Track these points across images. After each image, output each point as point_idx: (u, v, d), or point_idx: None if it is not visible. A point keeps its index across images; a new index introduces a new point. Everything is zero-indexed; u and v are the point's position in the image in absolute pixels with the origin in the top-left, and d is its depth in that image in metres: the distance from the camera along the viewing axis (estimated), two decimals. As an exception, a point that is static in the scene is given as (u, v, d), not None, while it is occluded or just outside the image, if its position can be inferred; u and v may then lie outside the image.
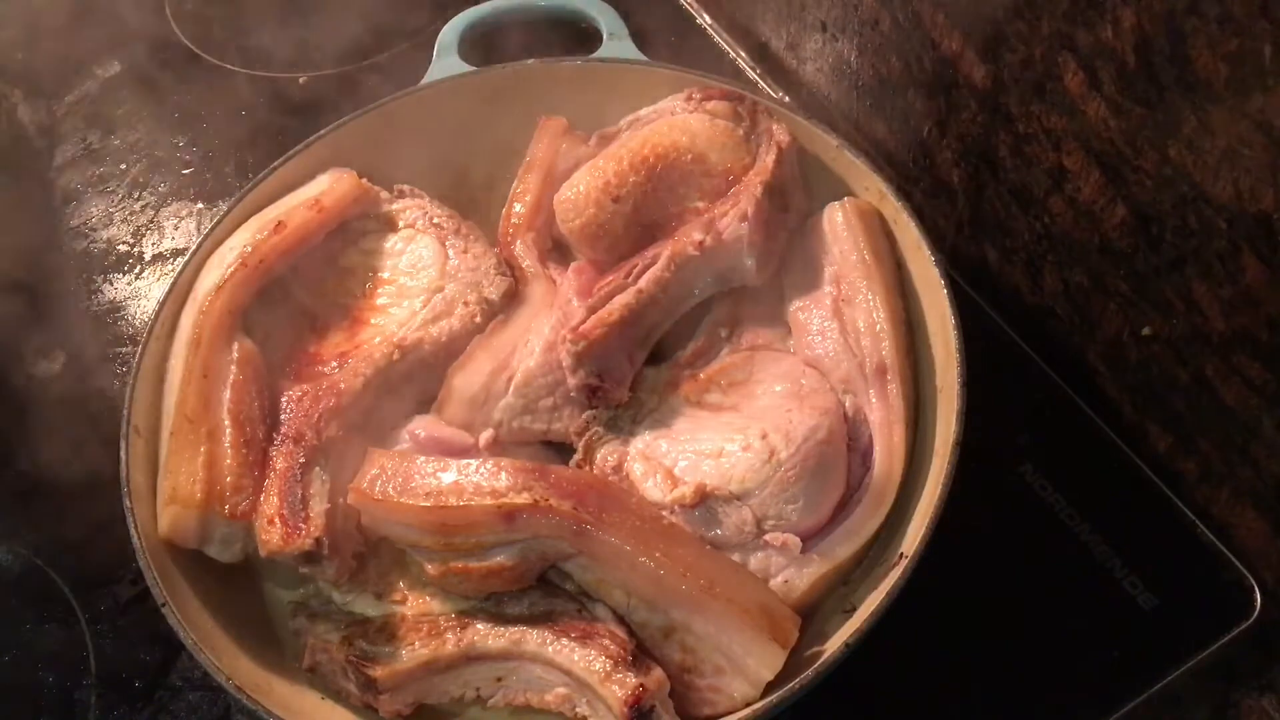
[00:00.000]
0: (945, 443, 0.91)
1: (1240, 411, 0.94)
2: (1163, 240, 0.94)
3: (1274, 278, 0.84)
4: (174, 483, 0.95)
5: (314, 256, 1.10)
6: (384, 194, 1.14)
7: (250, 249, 1.05)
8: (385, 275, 1.10)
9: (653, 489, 0.93)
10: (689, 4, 1.53)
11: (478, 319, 1.05)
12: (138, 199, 1.46)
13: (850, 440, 0.96)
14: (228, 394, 0.97)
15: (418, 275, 1.09)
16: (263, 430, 0.98)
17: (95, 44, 1.64)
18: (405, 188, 1.16)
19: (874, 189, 1.05)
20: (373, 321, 1.06)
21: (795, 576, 0.90)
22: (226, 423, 0.96)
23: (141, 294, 1.36)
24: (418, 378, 1.04)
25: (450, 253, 1.09)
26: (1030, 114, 1.02)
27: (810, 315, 1.01)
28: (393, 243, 1.11)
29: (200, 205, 1.43)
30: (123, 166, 1.49)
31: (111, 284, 1.37)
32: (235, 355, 1.00)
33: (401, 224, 1.12)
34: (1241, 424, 0.95)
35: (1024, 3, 0.96)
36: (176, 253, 1.39)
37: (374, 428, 1.01)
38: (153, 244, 1.41)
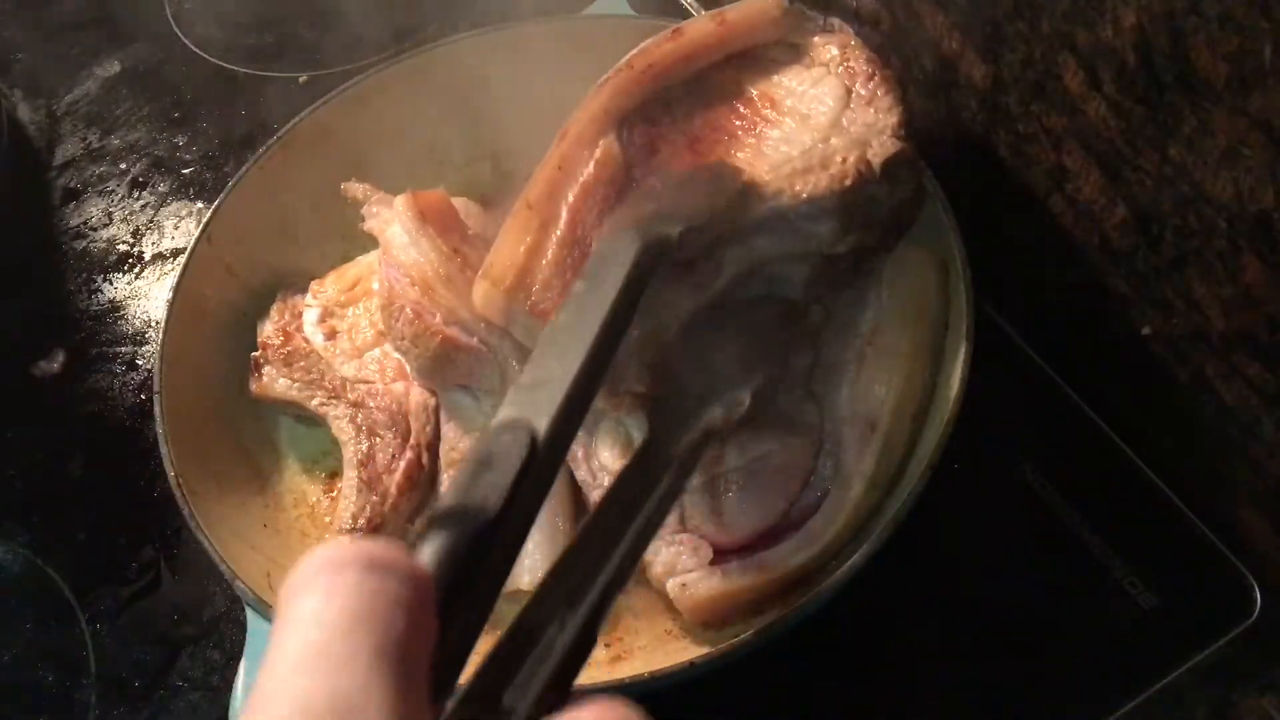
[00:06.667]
0: (936, 432, 0.90)
1: (1240, 411, 0.94)
2: (1163, 240, 0.94)
3: (1274, 278, 0.84)
4: (494, 259, 0.90)
5: (707, 79, 0.99)
6: (809, 22, 1.02)
7: (639, 52, 0.97)
8: (775, 115, 0.97)
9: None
10: (689, 5, 1.53)
11: (848, 181, 0.89)
12: (138, 199, 1.46)
13: (810, 477, 0.94)
14: (575, 191, 0.92)
15: (809, 122, 0.96)
16: (594, 236, 0.90)
17: (95, 44, 1.64)
18: (835, 21, 1.02)
19: (945, 245, 1.01)
20: (740, 158, 0.95)
21: (695, 584, 0.89)
22: (564, 217, 0.91)
23: (141, 294, 1.36)
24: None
25: (853, 103, 0.97)
26: (1030, 114, 1.02)
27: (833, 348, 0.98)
28: (798, 80, 0.99)
29: (200, 205, 1.43)
30: (123, 166, 1.50)
31: (111, 284, 1.37)
32: (597, 155, 0.93)
33: (815, 61, 1.00)
34: (1241, 424, 0.95)
35: (1024, 3, 0.96)
36: (176, 253, 1.39)
37: None
38: (153, 244, 1.41)
